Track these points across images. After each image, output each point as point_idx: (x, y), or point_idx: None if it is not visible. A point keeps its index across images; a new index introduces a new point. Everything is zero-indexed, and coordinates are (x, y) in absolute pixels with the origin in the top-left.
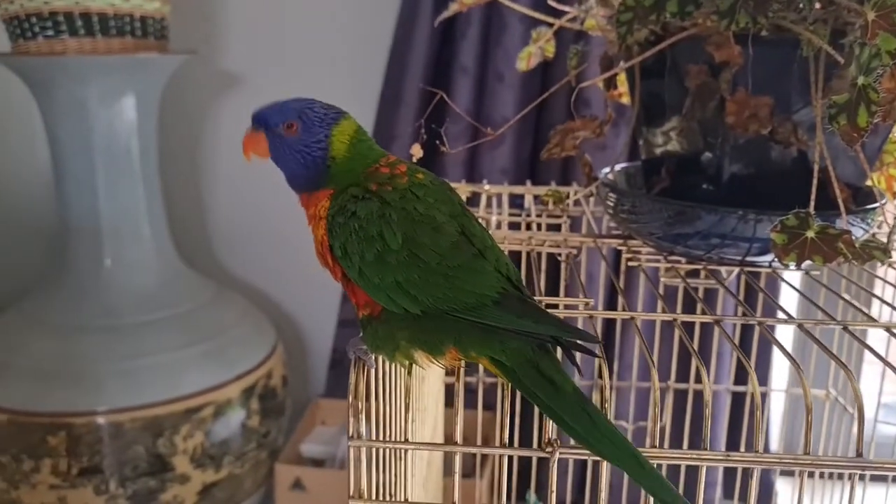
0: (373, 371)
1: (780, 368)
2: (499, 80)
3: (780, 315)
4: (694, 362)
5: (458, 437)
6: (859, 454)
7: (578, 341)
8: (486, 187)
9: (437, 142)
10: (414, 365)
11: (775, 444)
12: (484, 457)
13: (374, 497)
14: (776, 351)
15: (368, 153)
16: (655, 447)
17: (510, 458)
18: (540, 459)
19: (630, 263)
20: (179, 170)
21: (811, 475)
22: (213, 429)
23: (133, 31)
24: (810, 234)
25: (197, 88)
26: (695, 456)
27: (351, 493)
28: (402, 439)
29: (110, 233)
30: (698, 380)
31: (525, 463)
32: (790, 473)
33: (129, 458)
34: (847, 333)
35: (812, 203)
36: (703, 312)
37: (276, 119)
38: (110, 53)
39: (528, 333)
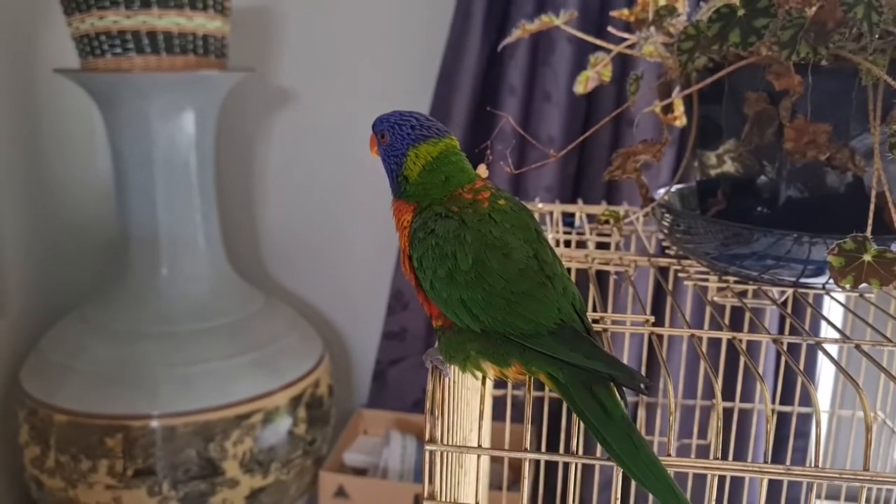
0: (447, 380)
1: (820, 389)
2: (546, 100)
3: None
4: (739, 381)
5: (528, 444)
6: None
7: (625, 378)
8: (540, 205)
9: (501, 163)
10: (485, 377)
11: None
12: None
13: (445, 500)
14: (818, 371)
15: (449, 179)
16: (718, 458)
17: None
18: (585, 474)
19: (686, 283)
20: (233, 184)
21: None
22: (262, 435)
23: (195, 49)
24: (867, 257)
25: (253, 105)
26: (756, 469)
27: (426, 495)
28: (477, 445)
29: (167, 243)
30: (743, 398)
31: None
32: (835, 497)
33: (182, 461)
34: None
35: (869, 227)
36: (752, 331)
37: (379, 126)
38: (174, 70)
39: (577, 366)
